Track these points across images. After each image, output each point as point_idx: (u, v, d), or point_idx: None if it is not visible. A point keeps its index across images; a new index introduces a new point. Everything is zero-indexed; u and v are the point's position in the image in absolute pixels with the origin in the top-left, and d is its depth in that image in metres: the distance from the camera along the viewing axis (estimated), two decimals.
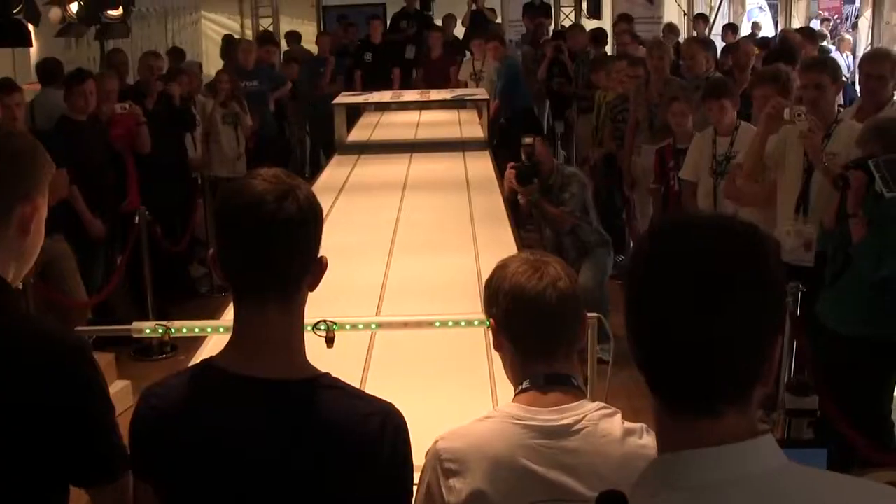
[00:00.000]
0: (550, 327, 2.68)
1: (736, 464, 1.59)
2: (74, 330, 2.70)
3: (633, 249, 1.49)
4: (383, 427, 2.26)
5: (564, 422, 2.60)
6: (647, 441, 2.58)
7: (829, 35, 21.28)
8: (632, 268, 1.68)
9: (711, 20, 20.35)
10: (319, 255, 2.33)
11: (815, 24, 21.48)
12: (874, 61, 6.98)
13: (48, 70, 9.84)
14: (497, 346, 2.78)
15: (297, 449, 2.21)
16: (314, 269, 2.32)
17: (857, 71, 8.08)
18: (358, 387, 4.13)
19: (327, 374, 2.32)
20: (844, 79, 10.57)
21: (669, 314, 1.59)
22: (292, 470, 2.21)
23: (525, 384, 2.68)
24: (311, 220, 2.28)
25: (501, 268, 2.77)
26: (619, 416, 2.68)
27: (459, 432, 2.65)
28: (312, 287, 2.35)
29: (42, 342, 2.36)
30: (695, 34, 15.65)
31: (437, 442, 2.65)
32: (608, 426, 2.62)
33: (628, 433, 2.62)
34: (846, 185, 5.65)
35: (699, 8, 21.88)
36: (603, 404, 2.72)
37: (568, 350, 2.72)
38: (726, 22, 20.86)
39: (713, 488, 1.58)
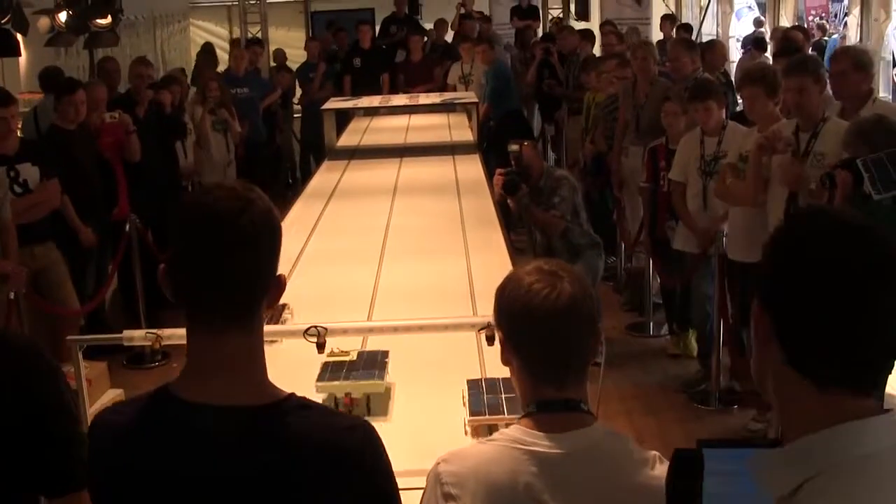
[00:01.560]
0: (563, 351, 2.55)
1: (887, 434, 1.71)
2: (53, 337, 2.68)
3: (773, 247, 1.53)
4: (364, 440, 2.16)
5: (570, 449, 2.48)
6: (658, 472, 2.48)
7: (825, 28, 21.34)
8: (792, 264, 1.76)
9: (700, 19, 20.43)
10: (278, 272, 2.22)
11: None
12: (833, 59, 7.07)
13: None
14: (505, 362, 2.65)
15: (271, 476, 2.06)
16: (272, 288, 2.19)
17: None
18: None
19: (293, 395, 2.17)
20: None
21: (850, 304, 1.69)
22: (268, 499, 2.07)
23: (532, 408, 2.55)
24: (268, 236, 2.17)
25: (514, 280, 2.60)
26: (630, 442, 2.58)
27: (461, 454, 2.54)
28: (270, 305, 2.23)
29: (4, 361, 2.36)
30: (661, 36, 15.65)
31: (438, 464, 2.53)
32: (617, 454, 2.52)
33: (639, 463, 2.51)
34: (833, 185, 5.66)
35: (687, 8, 21.95)
36: (612, 430, 2.63)
37: (580, 374, 2.58)
38: (716, 23, 20.95)
39: (878, 456, 1.69)
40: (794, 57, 7.21)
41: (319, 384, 3.88)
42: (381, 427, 3.39)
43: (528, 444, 2.48)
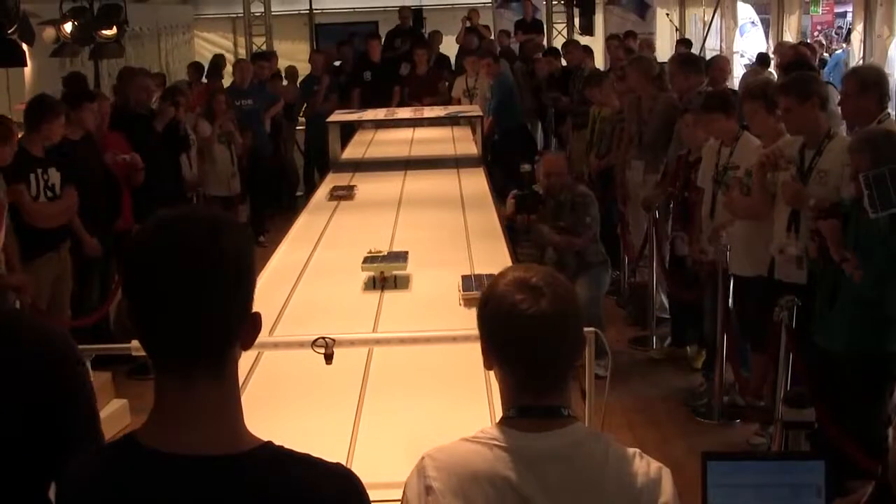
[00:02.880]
0: (545, 364, 2.54)
1: None
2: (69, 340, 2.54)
3: None
4: (344, 488, 2.02)
5: (550, 447, 2.50)
6: (637, 467, 2.52)
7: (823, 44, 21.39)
8: None
9: (704, 34, 20.47)
10: (254, 310, 2.02)
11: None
12: (843, 80, 7.11)
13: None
14: (487, 367, 2.64)
15: None
16: (247, 327, 2.00)
17: None
18: (356, 405, 4.18)
19: (270, 443, 1.99)
20: None
21: None
22: None
23: (512, 412, 2.56)
24: (241, 272, 1.96)
25: (496, 293, 2.57)
26: (609, 439, 2.59)
27: (445, 450, 2.55)
28: (246, 346, 2.03)
29: (31, 343, 2.31)
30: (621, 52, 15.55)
31: (423, 458, 2.55)
32: (596, 452, 2.53)
33: (619, 459, 2.53)
34: (822, 237, 5.70)
35: (690, 24, 21.99)
36: (591, 429, 2.65)
37: (562, 382, 2.58)
38: (719, 38, 20.97)
39: None
40: (787, 77, 7.26)
41: (364, 265, 6.02)
42: (402, 296, 5.61)
43: (508, 442, 2.50)
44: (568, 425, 2.54)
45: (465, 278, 5.72)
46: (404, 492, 2.54)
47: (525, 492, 2.46)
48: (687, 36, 21.11)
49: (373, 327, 5.13)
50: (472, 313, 4.48)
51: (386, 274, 5.94)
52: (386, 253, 6.27)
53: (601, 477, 2.50)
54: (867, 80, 6.80)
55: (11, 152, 7.48)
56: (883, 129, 6.07)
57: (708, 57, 14.63)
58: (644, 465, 2.53)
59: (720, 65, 11.45)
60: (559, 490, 2.47)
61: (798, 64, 9.61)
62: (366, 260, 6.07)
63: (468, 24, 18.19)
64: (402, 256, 6.13)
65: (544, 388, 2.55)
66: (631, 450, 2.57)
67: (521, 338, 2.51)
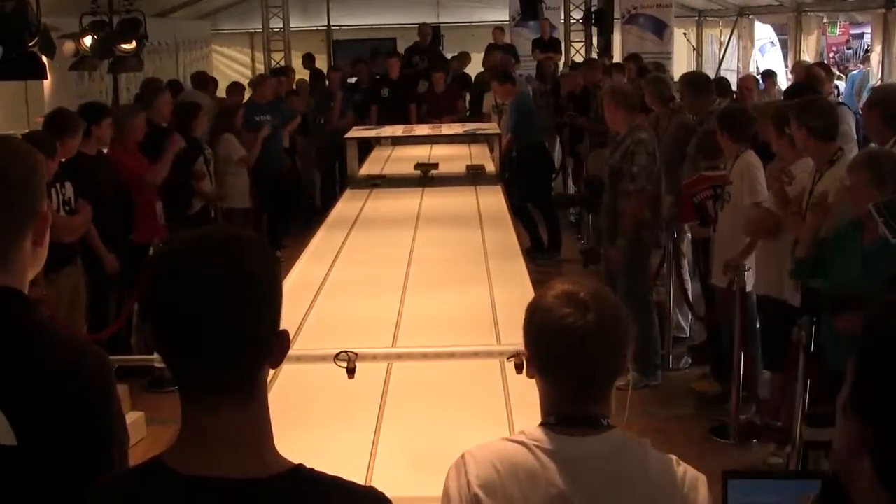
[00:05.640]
0: (589, 376, 2.60)
1: None
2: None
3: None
4: None
5: (589, 450, 2.56)
6: (675, 473, 2.58)
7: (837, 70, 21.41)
8: None
9: (721, 54, 20.48)
10: (281, 328, 1.97)
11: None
12: None
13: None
14: (530, 375, 2.71)
15: None
16: (275, 348, 1.96)
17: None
18: (375, 420, 4.17)
19: (301, 466, 1.94)
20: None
21: None
22: None
23: (552, 419, 2.62)
24: (267, 293, 1.92)
25: (543, 306, 2.63)
26: (647, 445, 2.64)
27: (486, 448, 2.61)
28: (275, 365, 1.99)
29: (63, 357, 2.27)
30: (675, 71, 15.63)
31: (463, 455, 2.61)
32: (635, 457, 2.59)
33: (657, 464, 2.59)
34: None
35: (708, 44, 22.00)
36: (630, 435, 2.67)
37: (603, 394, 2.64)
38: (737, 58, 20.98)
39: None
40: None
41: (415, 167, 10.97)
42: (432, 191, 10.06)
43: (549, 443, 2.56)
44: (607, 432, 2.60)
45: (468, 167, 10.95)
46: (445, 487, 2.60)
47: (563, 492, 2.52)
48: (704, 55, 21.19)
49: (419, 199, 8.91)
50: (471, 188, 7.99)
51: (424, 172, 10.61)
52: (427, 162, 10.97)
53: (639, 480, 2.56)
54: (873, 99, 6.86)
55: (55, 166, 7.53)
56: (886, 150, 6.11)
57: (724, 77, 14.70)
58: (682, 472, 2.60)
59: (746, 84, 11.51)
60: (597, 492, 2.53)
61: (799, 87, 9.61)
62: (416, 166, 10.81)
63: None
64: (432, 164, 10.93)
65: (586, 399, 2.61)
66: (669, 456, 2.63)
67: (566, 351, 2.57)
